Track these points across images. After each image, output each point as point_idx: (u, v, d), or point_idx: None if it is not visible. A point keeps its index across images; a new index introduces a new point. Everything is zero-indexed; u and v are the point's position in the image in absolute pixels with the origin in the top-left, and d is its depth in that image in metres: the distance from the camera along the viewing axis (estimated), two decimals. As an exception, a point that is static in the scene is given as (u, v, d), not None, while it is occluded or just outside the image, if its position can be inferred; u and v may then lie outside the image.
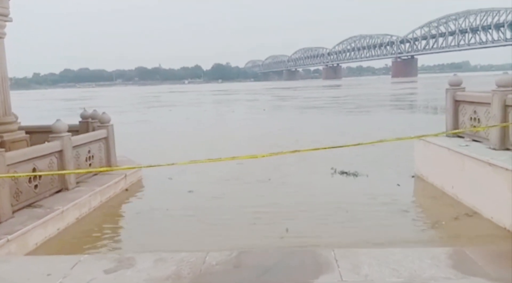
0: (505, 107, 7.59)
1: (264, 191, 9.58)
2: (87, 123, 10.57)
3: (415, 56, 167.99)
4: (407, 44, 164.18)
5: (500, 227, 6.67)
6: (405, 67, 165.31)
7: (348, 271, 3.58)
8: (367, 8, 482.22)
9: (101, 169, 9.37)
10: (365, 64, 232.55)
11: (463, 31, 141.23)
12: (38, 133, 9.64)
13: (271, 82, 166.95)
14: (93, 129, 10.35)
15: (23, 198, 7.11)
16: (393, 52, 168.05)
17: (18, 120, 10.75)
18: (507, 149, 7.57)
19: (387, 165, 11.51)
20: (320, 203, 8.42)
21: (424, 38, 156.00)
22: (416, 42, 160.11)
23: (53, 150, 8.09)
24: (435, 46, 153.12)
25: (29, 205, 7.20)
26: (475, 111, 8.78)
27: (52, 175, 7.76)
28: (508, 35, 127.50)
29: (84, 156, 9.29)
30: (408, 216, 7.61)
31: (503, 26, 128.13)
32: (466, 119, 9.14)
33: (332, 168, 10.97)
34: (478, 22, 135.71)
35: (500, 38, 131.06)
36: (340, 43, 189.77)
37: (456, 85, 9.59)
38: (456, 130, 9.18)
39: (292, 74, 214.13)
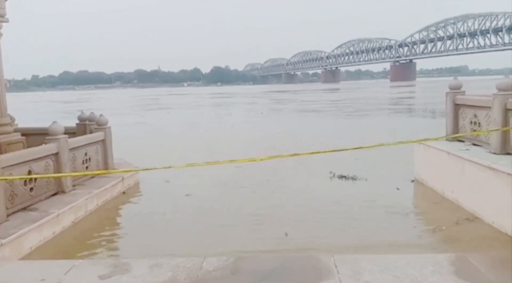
0: (506, 111, 7.55)
1: (262, 194, 9.51)
2: (84, 126, 10.51)
3: (414, 60, 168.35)
4: (406, 48, 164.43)
5: (501, 232, 6.60)
6: (403, 71, 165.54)
7: (349, 278, 3.51)
8: (367, 8, 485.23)
9: (98, 172, 9.27)
10: (363, 68, 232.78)
11: (461, 35, 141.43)
12: (35, 136, 9.58)
13: (270, 86, 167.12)
14: (91, 132, 10.28)
15: (18, 201, 7.01)
16: (392, 56, 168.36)
17: (15, 122, 10.69)
18: (508, 153, 7.51)
19: (387, 169, 11.45)
20: (318, 206, 8.35)
21: (423, 42, 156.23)
22: (415, 46, 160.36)
23: (49, 152, 8.00)
24: (433, 50, 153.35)
25: (24, 208, 7.11)
26: (475, 115, 8.73)
27: (48, 177, 7.68)
28: (506, 39, 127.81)
29: (80, 159, 9.20)
30: (408, 220, 7.55)
31: (502, 31, 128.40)
32: (467, 123, 9.08)
33: (331, 172, 10.91)
34: (476, 27, 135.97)
35: (498, 43, 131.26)
36: (339, 46, 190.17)
37: (456, 89, 9.55)
38: (457, 135, 9.12)
39: (290, 78, 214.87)
